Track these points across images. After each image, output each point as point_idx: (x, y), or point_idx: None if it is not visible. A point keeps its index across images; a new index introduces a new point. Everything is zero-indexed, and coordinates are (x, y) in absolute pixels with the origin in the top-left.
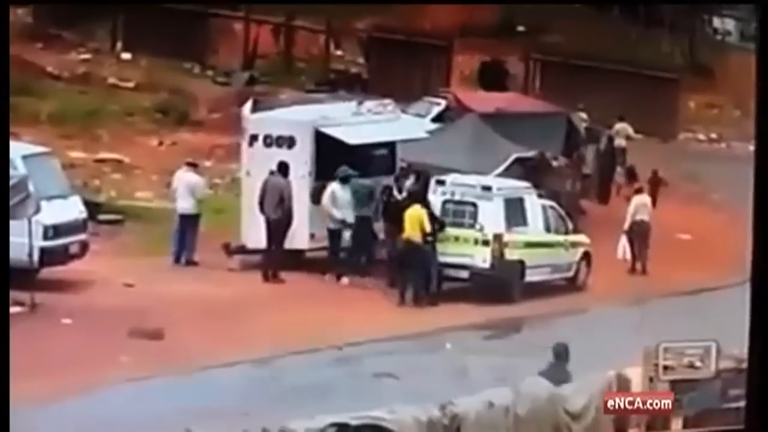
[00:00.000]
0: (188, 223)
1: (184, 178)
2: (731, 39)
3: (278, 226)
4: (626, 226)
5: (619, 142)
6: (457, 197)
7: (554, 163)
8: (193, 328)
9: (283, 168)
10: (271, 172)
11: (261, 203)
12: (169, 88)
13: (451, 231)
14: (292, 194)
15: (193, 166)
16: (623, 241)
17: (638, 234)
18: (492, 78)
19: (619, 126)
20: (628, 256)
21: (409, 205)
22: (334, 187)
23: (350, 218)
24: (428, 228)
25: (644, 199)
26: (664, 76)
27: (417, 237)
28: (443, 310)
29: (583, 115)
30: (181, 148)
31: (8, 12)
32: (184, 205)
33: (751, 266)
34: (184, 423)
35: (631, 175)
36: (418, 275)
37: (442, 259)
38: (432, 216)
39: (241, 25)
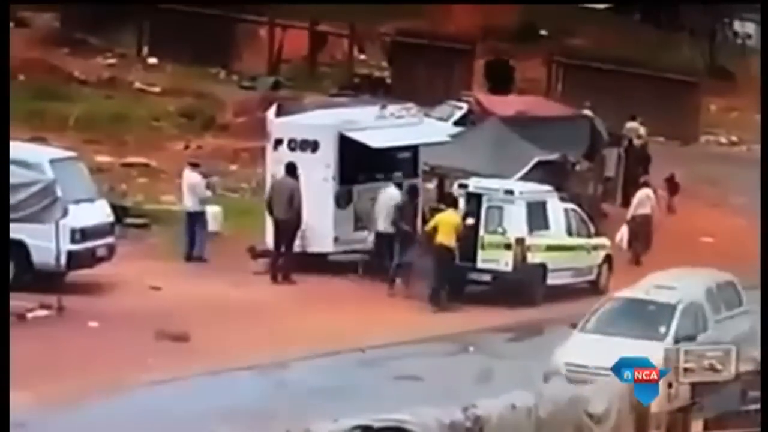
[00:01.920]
0: (194, 220)
1: (188, 177)
2: (752, 42)
3: (287, 227)
4: (628, 216)
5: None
6: (494, 203)
7: (576, 167)
8: (219, 330)
9: (291, 169)
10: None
11: (269, 204)
12: (195, 92)
13: (486, 237)
14: (302, 196)
15: (195, 165)
16: (623, 230)
17: (640, 226)
18: (499, 77)
19: (630, 125)
20: (624, 244)
21: (444, 209)
22: (394, 193)
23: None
24: (461, 233)
25: (647, 192)
26: (685, 80)
27: (451, 242)
28: (466, 313)
29: (589, 113)
30: (207, 152)
31: (8, 12)
32: (188, 203)
33: (761, 269)
34: (209, 425)
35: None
36: (449, 280)
37: (471, 263)
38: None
39: (265, 30)
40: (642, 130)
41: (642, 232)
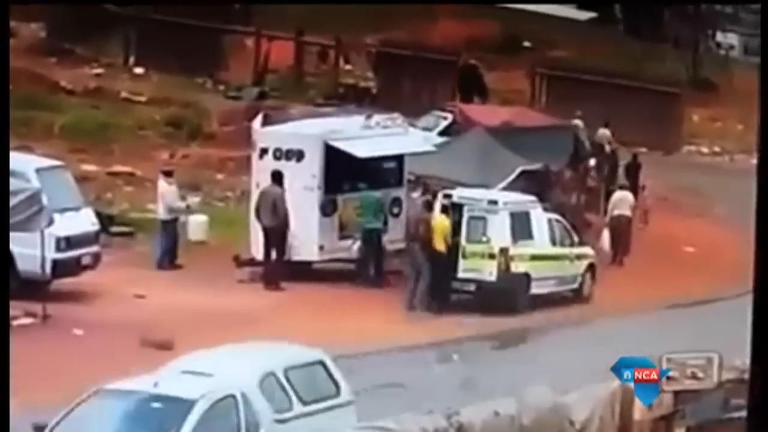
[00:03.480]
0: (165, 228)
1: (160, 186)
2: (734, 53)
3: (274, 233)
4: (607, 219)
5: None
6: (476, 213)
7: (560, 176)
8: (203, 338)
9: (277, 177)
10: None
11: (257, 211)
12: (181, 102)
13: (467, 246)
14: (287, 203)
15: (167, 174)
16: (605, 233)
17: (618, 227)
18: (469, 84)
19: (601, 132)
20: (606, 247)
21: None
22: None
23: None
24: (450, 239)
25: (623, 194)
26: (667, 90)
27: (442, 247)
28: (451, 321)
29: (580, 123)
30: (193, 162)
31: (8, 12)
32: (160, 210)
33: (754, 277)
34: None
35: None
36: (439, 284)
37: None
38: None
39: (252, 41)
40: (611, 139)
41: (620, 232)
